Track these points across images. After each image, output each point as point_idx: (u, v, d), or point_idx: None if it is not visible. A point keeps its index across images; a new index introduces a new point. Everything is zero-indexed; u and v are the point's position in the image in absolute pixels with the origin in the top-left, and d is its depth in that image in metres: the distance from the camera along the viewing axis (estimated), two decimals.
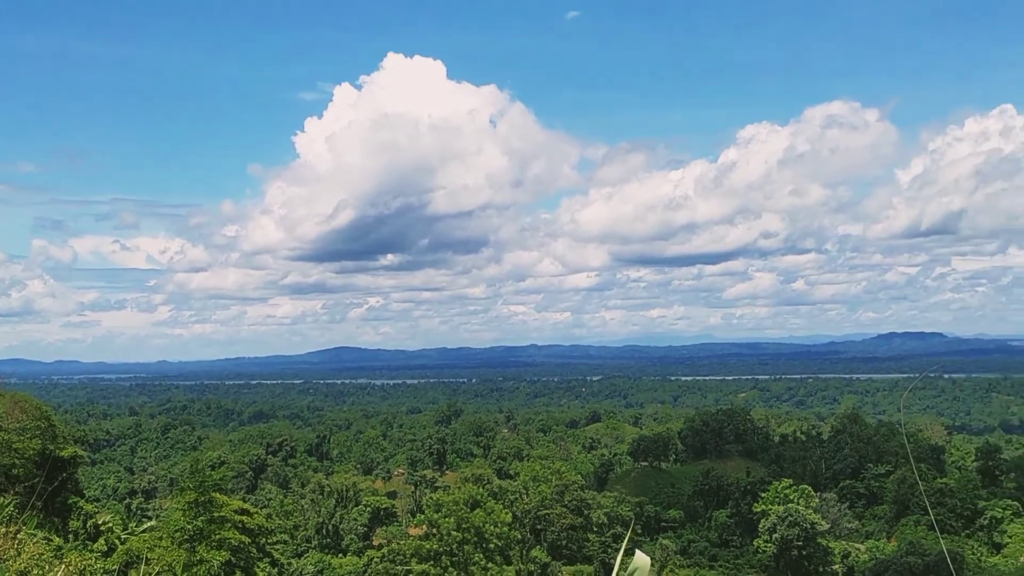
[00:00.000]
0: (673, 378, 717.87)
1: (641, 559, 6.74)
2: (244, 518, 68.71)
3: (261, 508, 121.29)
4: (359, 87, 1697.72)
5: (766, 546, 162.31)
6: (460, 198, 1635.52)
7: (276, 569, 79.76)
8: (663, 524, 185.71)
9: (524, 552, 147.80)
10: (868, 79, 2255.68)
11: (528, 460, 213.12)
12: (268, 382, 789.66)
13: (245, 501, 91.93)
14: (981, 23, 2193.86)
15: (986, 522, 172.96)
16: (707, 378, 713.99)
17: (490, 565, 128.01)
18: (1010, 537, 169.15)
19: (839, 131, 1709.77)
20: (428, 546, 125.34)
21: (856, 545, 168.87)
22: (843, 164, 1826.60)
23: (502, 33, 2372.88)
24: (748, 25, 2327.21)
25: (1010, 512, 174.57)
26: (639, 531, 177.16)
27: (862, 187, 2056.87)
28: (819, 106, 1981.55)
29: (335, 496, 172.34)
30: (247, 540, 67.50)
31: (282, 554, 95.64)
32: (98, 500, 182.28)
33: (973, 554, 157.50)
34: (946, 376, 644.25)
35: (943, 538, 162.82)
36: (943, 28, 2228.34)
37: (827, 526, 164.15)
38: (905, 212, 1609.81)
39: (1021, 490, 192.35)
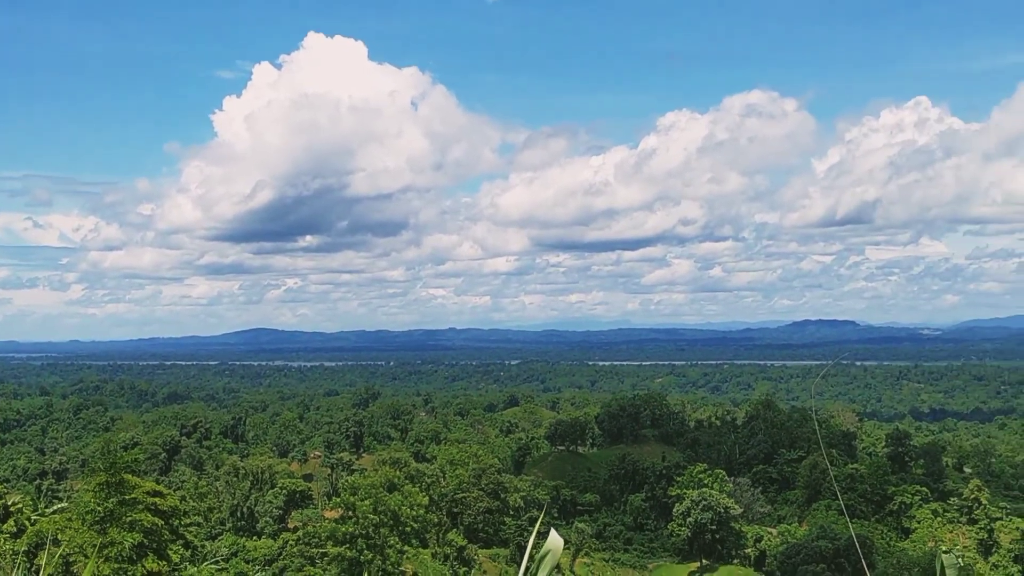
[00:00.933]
0: (591, 363, 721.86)
1: (554, 541, 6.72)
2: (157, 500, 67.95)
3: (175, 490, 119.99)
4: (279, 66, 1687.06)
5: (680, 530, 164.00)
6: (380, 180, 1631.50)
7: (189, 551, 78.88)
8: (579, 508, 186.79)
9: (440, 535, 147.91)
10: (787, 69, 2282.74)
11: (446, 444, 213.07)
12: (183, 363, 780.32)
13: (158, 483, 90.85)
14: (898, 16, 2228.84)
15: (895, 507, 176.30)
16: (625, 363, 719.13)
17: (406, 548, 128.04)
18: (918, 522, 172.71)
19: (758, 120, 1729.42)
20: (344, 529, 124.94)
21: (768, 529, 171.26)
22: (761, 153, 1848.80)
23: (424, 15, 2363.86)
24: (669, 13, 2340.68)
25: (919, 498, 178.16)
26: (555, 515, 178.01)
27: (780, 176, 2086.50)
28: (739, 95, 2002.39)
29: (250, 478, 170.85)
30: (160, 522, 66.78)
31: (196, 536, 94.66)
32: (7, 481, 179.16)
33: (882, 539, 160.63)
34: (858, 364, 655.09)
35: (853, 523, 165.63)
36: (861, 20, 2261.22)
37: (740, 510, 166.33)
38: (821, 201, 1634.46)
39: (930, 476, 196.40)
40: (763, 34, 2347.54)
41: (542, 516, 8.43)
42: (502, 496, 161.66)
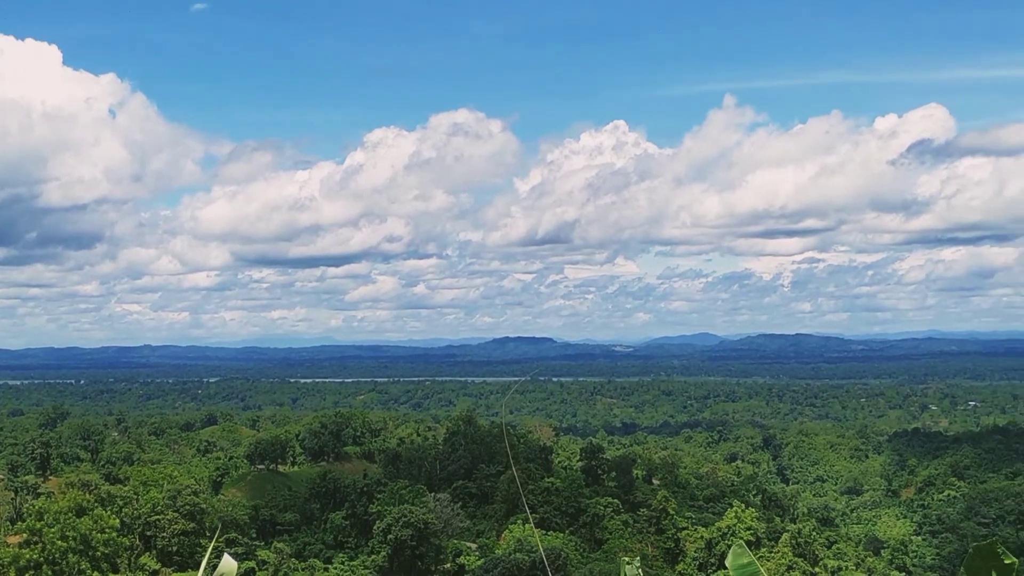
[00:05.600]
0: (293, 380, 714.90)
1: (226, 564, 6.55)
2: None
3: None
4: None
5: (381, 547, 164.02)
6: (74, 191, 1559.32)
7: None
8: (279, 527, 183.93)
9: (133, 559, 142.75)
10: (494, 90, 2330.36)
11: (139, 464, 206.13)
12: None
13: None
14: (600, 42, 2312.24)
15: (589, 519, 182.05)
16: (327, 380, 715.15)
17: (95, 574, 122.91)
18: (610, 533, 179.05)
19: (464, 139, 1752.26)
20: (28, 555, 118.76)
21: (468, 544, 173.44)
22: (467, 172, 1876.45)
23: (123, 21, 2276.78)
24: (378, 29, 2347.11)
25: (610, 509, 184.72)
26: (254, 535, 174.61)
27: (484, 195, 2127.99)
28: (446, 113, 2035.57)
29: None
30: None
31: None
32: None
33: (576, 550, 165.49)
34: (555, 380, 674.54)
35: (549, 535, 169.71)
36: (565, 44, 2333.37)
37: (440, 525, 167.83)
38: (523, 221, 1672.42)
39: (621, 488, 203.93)
40: (471, 54, 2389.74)
41: (213, 542, 8.22)
42: (199, 517, 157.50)
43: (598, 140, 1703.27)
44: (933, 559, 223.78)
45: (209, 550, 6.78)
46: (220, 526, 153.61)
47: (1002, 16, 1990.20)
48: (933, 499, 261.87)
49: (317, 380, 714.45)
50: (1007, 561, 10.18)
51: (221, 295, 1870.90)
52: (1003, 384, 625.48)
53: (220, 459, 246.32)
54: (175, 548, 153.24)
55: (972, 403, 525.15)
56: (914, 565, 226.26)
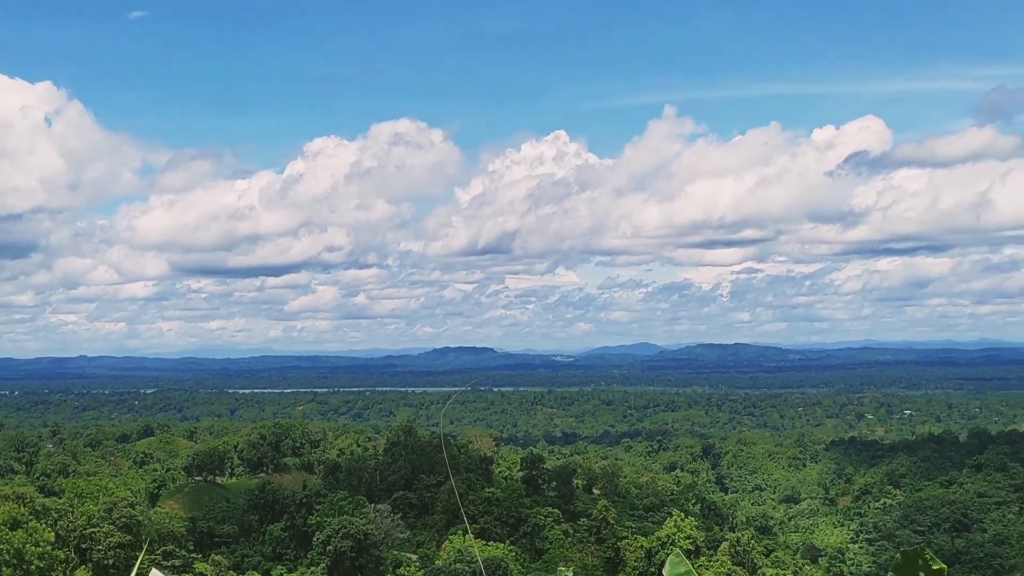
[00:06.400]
0: (231, 391, 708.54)
1: None
2: None
3: None
4: None
5: (320, 558, 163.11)
6: (9, 200, 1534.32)
7: None
8: (216, 539, 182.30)
9: (68, 572, 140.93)
10: (435, 100, 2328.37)
11: (75, 476, 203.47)
12: None
13: None
14: (541, 51, 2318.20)
15: (529, 529, 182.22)
16: (266, 391, 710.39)
17: None
18: (551, 543, 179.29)
19: (405, 149, 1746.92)
20: None
21: (408, 555, 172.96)
22: (408, 181, 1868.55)
23: (60, 29, 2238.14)
24: (317, 38, 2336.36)
25: (551, 519, 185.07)
26: (192, 547, 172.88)
27: (425, 205, 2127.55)
28: (387, 123, 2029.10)
29: None
30: None
31: None
32: None
33: (517, 560, 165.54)
34: (495, 390, 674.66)
35: (489, 545, 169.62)
36: (505, 53, 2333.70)
37: (380, 536, 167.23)
38: (464, 231, 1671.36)
39: (561, 498, 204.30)
40: (413, 64, 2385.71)
41: (142, 555, 8.18)
42: (135, 530, 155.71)
43: (539, 150, 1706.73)
44: (870, 567, 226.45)
45: (139, 562, 6.77)
46: (157, 538, 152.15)
47: (937, 30, 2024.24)
48: (870, 507, 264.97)
49: (256, 391, 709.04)
50: (935, 567, 10.36)
51: (158, 305, 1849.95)
52: (938, 393, 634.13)
53: (157, 471, 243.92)
54: (111, 561, 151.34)
55: (907, 412, 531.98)
56: (851, 573, 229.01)
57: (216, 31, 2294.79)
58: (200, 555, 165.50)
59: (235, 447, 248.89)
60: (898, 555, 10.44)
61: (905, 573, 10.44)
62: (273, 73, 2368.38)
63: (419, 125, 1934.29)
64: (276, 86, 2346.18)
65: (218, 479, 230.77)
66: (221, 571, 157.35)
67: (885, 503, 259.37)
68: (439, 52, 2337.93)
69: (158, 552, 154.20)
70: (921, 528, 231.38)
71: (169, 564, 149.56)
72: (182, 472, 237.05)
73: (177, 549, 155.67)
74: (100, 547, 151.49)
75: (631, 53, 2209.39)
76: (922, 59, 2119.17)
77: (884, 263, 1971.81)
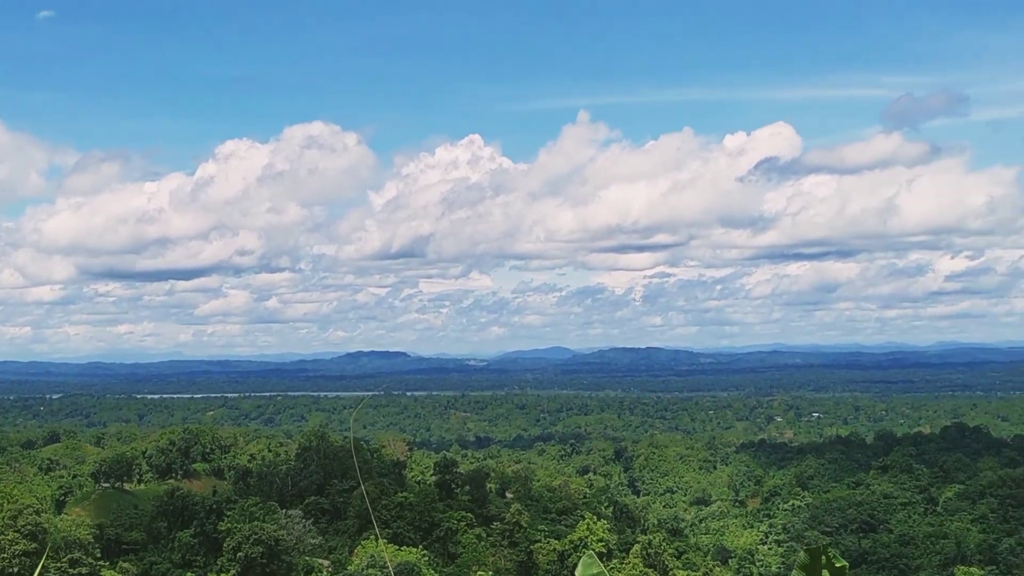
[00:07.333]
0: (139, 396, 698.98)
1: None
2: None
3: None
4: None
5: (230, 565, 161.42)
6: None
7: None
8: (124, 547, 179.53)
9: None
10: (349, 103, 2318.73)
11: None
12: None
13: None
14: (454, 54, 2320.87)
15: (442, 533, 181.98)
16: (175, 396, 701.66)
17: None
18: (464, 547, 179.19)
19: (318, 152, 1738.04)
20: None
21: (320, 561, 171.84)
22: (321, 184, 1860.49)
23: None
24: (229, 39, 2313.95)
25: (464, 523, 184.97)
26: (99, 555, 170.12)
27: (338, 208, 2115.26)
28: (300, 126, 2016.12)
29: None
30: None
31: None
32: None
33: (430, 564, 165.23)
34: (408, 394, 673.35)
35: (402, 550, 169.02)
36: (418, 56, 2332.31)
37: (292, 542, 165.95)
38: (378, 234, 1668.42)
39: (475, 502, 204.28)
40: (327, 66, 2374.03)
41: (43, 560, 8.08)
42: (41, 538, 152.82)
43: (453, 154, 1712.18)
44: (779, 568, 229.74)
45: (39, 568, 6.66)
46: (63, 546, 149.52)
47: (846, 38, 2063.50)
48: (779, 509, 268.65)
49: (165, 396, 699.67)
50: (838, 564, 10.58)
51: (65, 309, 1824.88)
52: (845, 396, 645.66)
53: (63, 477, 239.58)
54: (16, 569, 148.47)
55: (815, 414, 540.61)
56: (760, 574, 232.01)
57: (125, 32, 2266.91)
58: (107, 562, 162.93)
59: (144, 453, 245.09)
60: (802, 553, 10.65)
61: (809, 570, 10.66)
62: (184, 74, 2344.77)
63: (333, 128, 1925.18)
64: (187, 88, 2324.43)
65: (126, 486, 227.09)
66: None
67: (794, 505, 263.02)
68: (353, 55, 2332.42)
69: (64, 560, 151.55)
70: (829, 529, 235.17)
71: (76, 572, 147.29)
72: (89, 479, 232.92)
73: (84, 557, 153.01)
74: (5, 555, 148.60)
75: (546, 58, 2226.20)
76: (831, 67, 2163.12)
77: (793, 268, 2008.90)
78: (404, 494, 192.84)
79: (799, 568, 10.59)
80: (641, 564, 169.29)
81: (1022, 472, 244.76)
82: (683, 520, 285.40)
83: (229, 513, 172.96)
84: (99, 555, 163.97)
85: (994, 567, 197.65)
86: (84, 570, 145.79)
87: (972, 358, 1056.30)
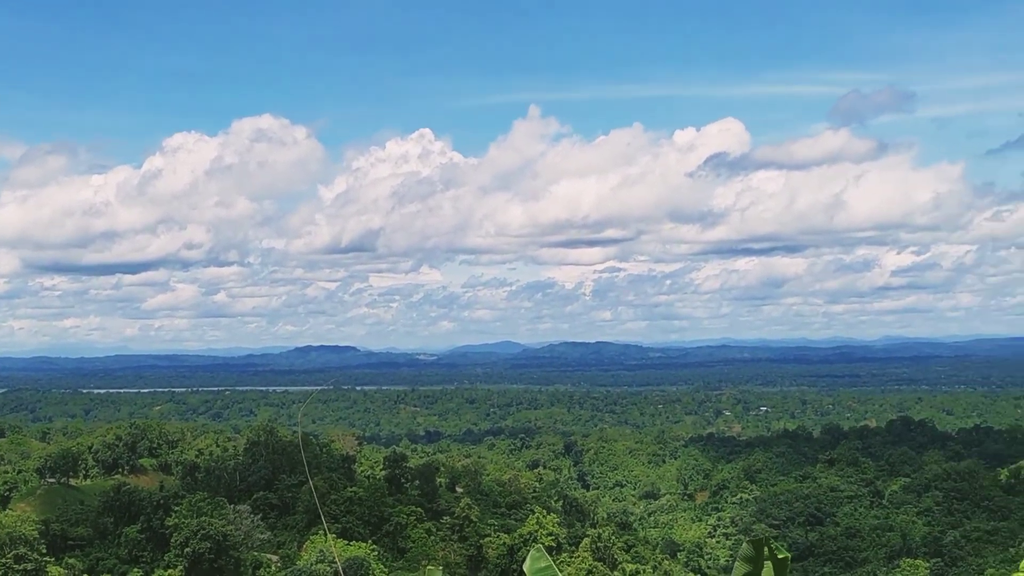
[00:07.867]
0: (85, 391, 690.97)
1: None
2: None
3: None
4: None
5: (178, 560, 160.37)
6: None
7: None
8: (70, 543, 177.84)
9: None
10: (298, 96, 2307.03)
11: None
12: None
13: None
14: (398, 49, 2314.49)
15: (392, 528, 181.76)
16: (122, 391, 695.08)
17: None
18: (413, 542, 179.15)
19: (268, 145, 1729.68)
20: None
21: (269, 556, 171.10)
22: (270, 178, 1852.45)
23: None
24: (176, 31, 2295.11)
25: (414, 518, 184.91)
26: (44, 551, 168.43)
27: (288, 202, 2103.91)
28: (248, 119, 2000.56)
29: None
30: None
31: None
32: None
33: (379, 560, 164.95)
34: (358, 388, 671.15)
35: (351, 545, 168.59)
36: (369, 50, 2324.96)
37: (240, 537, 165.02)
38: (327, 229, 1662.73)
39: (424, 496, 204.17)
40: (276, 59, 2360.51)
41: None
42: None
43: (404, 148, 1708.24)
44: (727, 560, 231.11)
45: None
46: (7, 542, 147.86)
47: (793, 35, 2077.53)
48: (727, 502, 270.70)
49: (111, 391, 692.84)
50: (780, 556, 10.73)
51: (9, 303, 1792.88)
52: (792, 390, 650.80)
53: (8, 473, 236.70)
54: None
55: (763, 408, 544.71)
56: (709, 567, 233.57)
57: (71, 23, 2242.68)
58: (53, 558, 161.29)
59: (90, 448, 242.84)
60: (745, 544, 10.79)
61: (752, 562, 10.81)
62: (131, 66, 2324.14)
63: (282, 122, 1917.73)
64: (134, 79, 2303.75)
65: (72, 481, 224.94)
66: (75, 574, 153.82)
67: (742, 498, 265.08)
68: (303, 48, 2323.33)
69: (9, 556, 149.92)
70: (777, 522, 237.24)
71: (21, 568, 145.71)
72: (34, 474, 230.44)
73: (29, 552, 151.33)
74: None
75: (496, 52, 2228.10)
76: (779, 63, 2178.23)
77: (742, 263, 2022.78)
78: (353, 489, 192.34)
79: (742, 560, 10.73)
80: (590, 558, 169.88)
81: (967, 466, 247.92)
82: (632, 514, 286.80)
83: (176, 508, 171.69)
84: (45, 551, 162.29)
85: (939, 559, 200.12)
86: (29, 566, 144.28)
87: (918, 352, 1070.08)
